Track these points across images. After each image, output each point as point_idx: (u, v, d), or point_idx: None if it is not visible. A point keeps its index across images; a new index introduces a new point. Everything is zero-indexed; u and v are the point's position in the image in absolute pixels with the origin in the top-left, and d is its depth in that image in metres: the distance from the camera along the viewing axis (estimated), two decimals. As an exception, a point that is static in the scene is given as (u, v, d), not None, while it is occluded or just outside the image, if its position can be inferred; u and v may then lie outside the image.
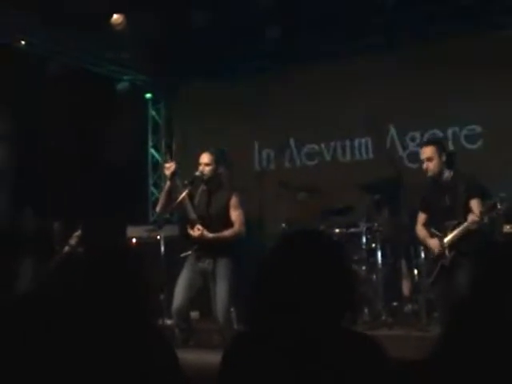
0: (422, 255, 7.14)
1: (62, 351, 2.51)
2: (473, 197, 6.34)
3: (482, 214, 6.17)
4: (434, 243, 6.48)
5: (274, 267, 2.35)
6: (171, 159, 7.47)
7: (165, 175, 7.25)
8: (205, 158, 6.93)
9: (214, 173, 6.93)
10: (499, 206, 6.14)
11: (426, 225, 6.70)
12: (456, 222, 6.33)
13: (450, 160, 6.61)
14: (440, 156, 6.49)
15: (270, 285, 2.30)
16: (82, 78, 10.25)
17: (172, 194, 6.97)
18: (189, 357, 5.77)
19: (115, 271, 2.72)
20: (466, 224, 6.23)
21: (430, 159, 6.46)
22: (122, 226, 10.01)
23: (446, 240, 6.37)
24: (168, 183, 7.00)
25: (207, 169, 6.90)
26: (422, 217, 6.75)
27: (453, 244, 6.33)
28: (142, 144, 11.94)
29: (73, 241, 8.20)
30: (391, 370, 2.27)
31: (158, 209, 7.20)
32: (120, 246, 2.96)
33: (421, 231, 6.72)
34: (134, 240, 9.90)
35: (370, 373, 2.22)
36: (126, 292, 2.68)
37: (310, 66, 10.27)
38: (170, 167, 6.90)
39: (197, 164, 7.01)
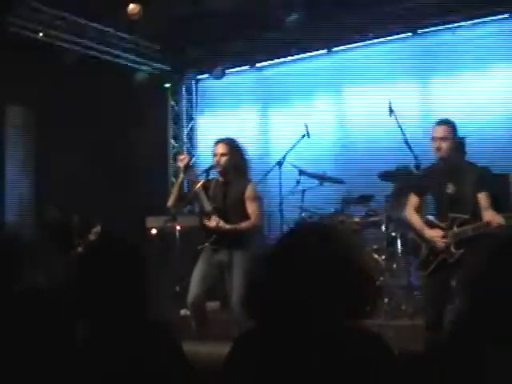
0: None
1: (62, 343, 2.60)
2: (482, 190, 5.80)
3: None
4: (436, 235, 5.89)
5: (281, 262, 2.31)
6: (183, 151, 7.40)
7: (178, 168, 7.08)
8: (220, 148, 6.74)
9: (230, 163, 6.76)
10: None
11: (418, 211, 6.15)
12: (466, 217, 5.79)
13: (460, 145, 6.19)
14: (453, 137, 5.96)
15: (277, 280, 2.26)
16: (100, 68, 10.29)
17: (186, 186, 6.89)
18: (203, 349, 5.83)
19: (119, 267, 2.76)
20: (484, 223, 5.68)
21: (444, 139, 5.88)
22: (141, 218, 9.98)
23: (452, 233, 5.81)
24: (181, 176, 6.86)
25: (223, 159, 6.72)
26: (414, 200, 6.17)
27: (462, 241, 5.75)
28: (162, 134, 11.91)
29: (92, 236, 8.17)
30: (396, 370, 2.22)
31: (169, 202, 7.07)
32: (126, 244, 2.87)
33: (413, 216, 6.14)
34: (153, 231, 9.91)
35: (374, 371, 2.18)
36: (127, 288, 2.72)
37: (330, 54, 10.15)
38: (183, 159, 6.76)
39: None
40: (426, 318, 5.93)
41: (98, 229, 8.23)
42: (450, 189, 5.89)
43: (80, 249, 8.23)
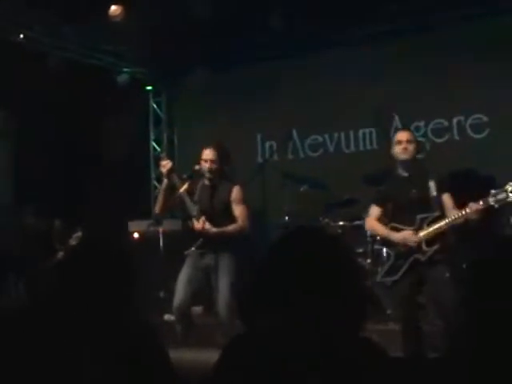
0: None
1: (50, 350, 2.54)
2: (444, 191, 6.00)
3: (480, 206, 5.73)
4: (406, 236, 5.92)
5: (272, 266, 2.26)
6: (166, 156, 7.35)
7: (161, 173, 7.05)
8: (209, 154, 6.77)
9: (216, 168, 6.78)
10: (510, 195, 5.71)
11: (381, 220, 6.21)
12: (435, 215, 5.90)
13: (418, 149, 6.30)
14: (416, 142, 6.23)
15: (268, 284, 2.22)
16: (81, 70, 10.18)
17: (170, 191, 6.83)
18: (188, 355, 5.79)
19: (104, 269, 2.75)
20: (454, 216, 5.80)
21: (410, 142, 6.07)
22: (123, 222, 9.92)
23: (422, 234, 5.87)
24: (165, 181, 6.85)
25: (212, 165, 6.75)
26: (375, 210, 6.27)
27: (434, 238, 5.87)
28: (144, 137, 11.86)
29: (73, 241, 8.12)
30: (389, 372, 2.18)
31: (156, 209, 7.06)
32: (111, 246, 2.90)
33: (376, 225, 6.23)
34: (135, 234, 9.85)
35: (366, 375, 2.13)
36: (112, 291, 2.71)
37: (312, 56, 10.19)
38: (165, 165, 6.76)
39: (198, 158, 6.87)
40: (403, 323, 5.93)
41: (78, 234, 8.17)
42: (415, 193, 6.00)
43: (61, 254, 8.16)
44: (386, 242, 6.32)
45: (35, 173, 9.40)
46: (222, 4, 8.80)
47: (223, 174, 6.87)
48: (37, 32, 9.57)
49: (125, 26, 9.09)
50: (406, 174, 6.14)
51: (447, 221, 5.83)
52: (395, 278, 5.96)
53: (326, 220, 8.59)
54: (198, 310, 8.19)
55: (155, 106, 12.01)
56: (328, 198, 8.86)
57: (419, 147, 6.35)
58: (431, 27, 9.36)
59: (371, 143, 10.02)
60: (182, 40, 10.05)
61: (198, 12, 8.92)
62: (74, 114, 9.98)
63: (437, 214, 5.91)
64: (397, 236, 5.99)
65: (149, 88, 11.86)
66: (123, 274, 2.79)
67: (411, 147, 6.05)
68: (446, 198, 5.98)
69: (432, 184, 5.95)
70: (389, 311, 7.69)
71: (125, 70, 11.00)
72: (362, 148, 10.10)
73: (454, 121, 9.35)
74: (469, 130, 9.28)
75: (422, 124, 9.50)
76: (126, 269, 2.82)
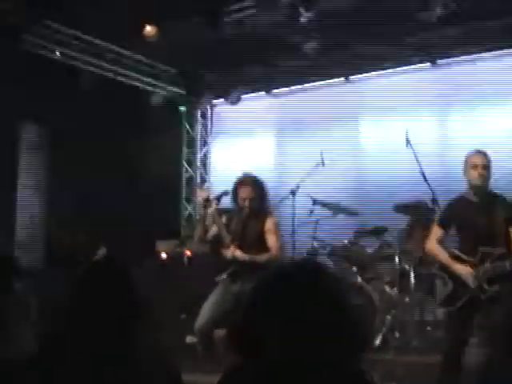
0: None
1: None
2: None
3: None
4: (466, 271, 5.60)
5: (264, 301, 2.20)
6: (203, 186, 7.32)
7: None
8: (245, 192, 6.70)
9: (255, 204, 6.69)
10: None
11: (442, 243, 5.86)
12: (501, 252, 5.51)
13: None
14: (490, 167, 5.75)
15: (260, 319, 2.15)
16: (116, 89, 10.31)
17: (206, 222, 6.82)
18: (203, 380, 5.70)
19: (116, 291, 2.74)
20: None
21: (485, 168, 5.67)
22: (151, 241, 9.91)
23: (484, 268, 5.52)
24: (203, 211, 6.86)
25: (248, 202, 6.66)
26: (438, 232, 5.91)
27: (496, 277, 5.48)
28: (176, 158, 11.89)
29: (97, 257, 8.10)
30: None
31: (195, 239, 7.03)
32: (128, 267, 2.85)
33: (438, 249, 5.87)
34: (163, 254, 9.84)
35: None
36: (123, 314, 2.69)
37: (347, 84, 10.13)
38: (203, 195, 6.76)
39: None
40: (445, 356, 5.68)
41: (103, 250, 8.14)
42: (481, 221, 5.64)
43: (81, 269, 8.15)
44: (444, 268, 5.84)
45: (67, 189, 9.42)
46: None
47: (261, 207, 6.78)
48: (73, 49, 9.72)
49: (161, 46, 9.11)
50: (476, 200, 5.79)
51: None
52: (452, 308, 5.70)
53: (355, 247, 8.53)
54: (222, 332, 8.08)
55: (188, 126, 12.06)
56: (357, 225, 8.84)
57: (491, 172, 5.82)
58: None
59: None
60: (219, 62, 10.10)
61: (236, 35, 8.99)
62: (108, 132, 10.00)
63: (502, 250, 5.53)
64: (457, 268, 5.66)
65: (182, 109, 11.92)
66: (136, 297, 2.76)
67: (487, 173, 5.69)
68: None
69: (501, 213, 5.61)
70: (414, 342, 7.59)
71: (159, 90, 11.08)
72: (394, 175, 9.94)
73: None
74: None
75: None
76: (139, 292, 2.79)
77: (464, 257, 5.69)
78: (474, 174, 5.71)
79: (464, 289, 5.62)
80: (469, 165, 5.75)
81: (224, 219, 6.67)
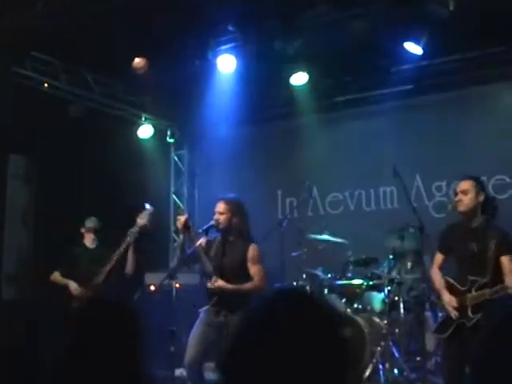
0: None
1: None
2: (505, 253, 5.62)
3: None
4: (450, 302, 5.77)
5: (249, 332, 2.06)
6: (184, 211, 7.31)
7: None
8: (220, 206, 6.64)
9: (229, 222, 6.62)
10: None
11: (442, 268, 6.01)
12: (485, 281, 5.60)
13: (486, 204, 5.84)
14: (477, 194, 5.78)
15: (246, 352, 2.02)
16: (104, 120, 10.28)
17: (186, 247, 6.74)
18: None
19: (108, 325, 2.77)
20: (501, 287, 5.50)
21: (465, 192, 5.75)
22: (141, 274, 9.81)
23: (470, 297, 5.65)
24: (181, 237, 6.83)
25: (222, 218, 6.60)
26: (439, 258, 6.04)
27: (480, 305, 5.59)
28: (164, 190, 11.87)
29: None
30: None
31: (172, 264, 6.99)
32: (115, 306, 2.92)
33: (437, 276, 6.01)
34: (152, 287, 9.75)
35: None
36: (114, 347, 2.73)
37: (334, 115, 10.30)
38: (181, 220, 6.65)
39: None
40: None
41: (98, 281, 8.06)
42: (474, 250, 5.71)
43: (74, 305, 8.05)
44: (439, 296, 6.02)
45: (54, 220, 9.32)
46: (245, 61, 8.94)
47: (238, 229, 6.70)
48: (61, 81, 9.73)
49: (148, 78, 9.18)
50: (466, 226, 5.87)
51: (491, 291, 5.54)
52: (444, 335, 5.84)
53: (343, 278, 8.53)
54: (210, 366, 8.00)
55: (176, 158, 12.09)
56: (347, 256, 8.73)
57: (479, 201, 5.83)
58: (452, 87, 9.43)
59: (392, 202, 9.98)
60: (205, 94, 10.10)
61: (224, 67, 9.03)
62: (96, 163, 9.99)
63: (486, 279, 5.60)
64: (444, 297, 5.82)
65: (171, 140, 11.93)
66: (127, 330, 2.79)
67: (466, 199, 5.75)
68: (505, 261, 5.64)
69: (493, 242, 5.64)
70: (405, 373, 7.55)
71: (147, 121, 11.09)
72: (382, 206, 10.09)
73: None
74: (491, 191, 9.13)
75: (443, 184, 9.41)
76: (131, 325, 2.82)
77: (456, 284, 5.80)
78: (454, 200, 5.89)
79: (452, 318, 5.74)
80: (454, 192, 5.94)
81: (202, 240, 6.57)
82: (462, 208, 5.81)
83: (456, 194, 5.86)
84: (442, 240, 6.10)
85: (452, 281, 5.86)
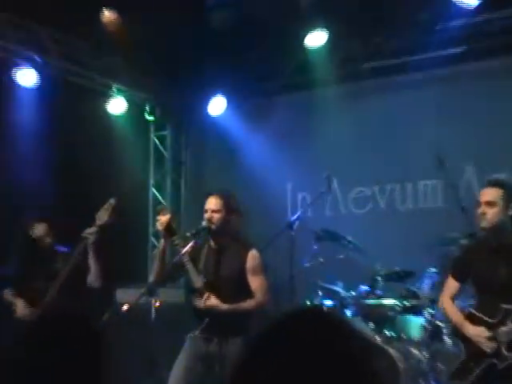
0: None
1: None
2: None
3: None
4: (482, 334, 5.70)
5: (254, 368, 1.99)
6: (165, 208, 7.16)
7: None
8: (212, 202, 6.62)
9: (224, 223, 6.60)
10: None
11: (454, 299, 6.06)
12: None
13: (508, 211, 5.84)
14: (506, 205, 5.78)
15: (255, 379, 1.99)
16: (63, 90, 10.24)
17: (168, 255, 6.81)
18: None
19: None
20: None
21: (490, 204, 5.77)
22: (112, 288, 9.91)
23: (504, 331, 5.60)
24: (162, 242, 6.77)
25: (216, 217, 6.57)
26: (453, 286, 6.08)
27: None
28: (143, 182, 11.83)
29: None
30: None
31: (151, 277, 6.94)
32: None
33: (452, 308, 6.05)
34: (124, 307, 9.62)
35: None
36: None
37: (359, 86, 10.31)
38: (162, 221, 6.60)
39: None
40: None
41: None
42: (501, 272, 5.70)
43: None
44: (457, 331, 5.98)
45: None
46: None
47: (234, 231, 6.73)
48: (7, 38, 9.70)
49: (121, 36, 9.28)
50: (493, 245, 5.85)
51: None
52: (464, 383, 5.74)
53: (370, 296, 8.44)
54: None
55: (157, 141, 12.01)
56: (375, 268, 8.64)
57: (508, 214, 5.83)
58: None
59: (435, 199, 9.87)
60: (195, 59, 10.16)
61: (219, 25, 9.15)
62: (52, 144, 10.00)
63: None
64: (470, 330, 5.75)
65: (150, 118, 11.83)
66: (86, 357, 2.80)
67: (491, 212, 5.73)
68: None
69: None
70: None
71: (122, 94, 11.01)
72: (422, 204, 9.99)
73: None
74: None
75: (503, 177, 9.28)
76: (90, 350, 2.83)
77: (481, 316, 5.76)
78: (477, 213, 5.87)
79: (477, 358, 5.69)
80: (477, 201, 5.94)
81: (189, 247, 6.47)
82: (485, 223, 5.82)
83: (479, 205, 5.83)
84: (459, 264, 6.13)
85: (475, 312, 5.83)
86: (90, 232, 7.17)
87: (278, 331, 2.05)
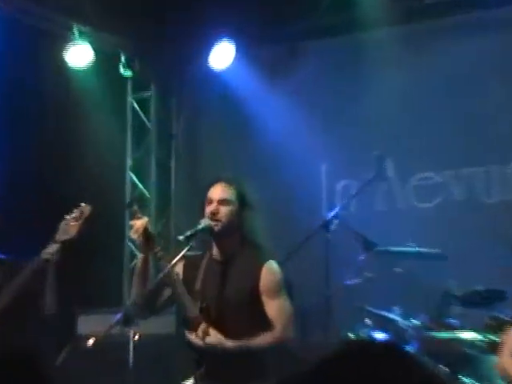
0: None
1: None
2: None
3: None
4: None
5: None
6: (136, 211, 6.82)
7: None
8: (218, 191, 6.44)
9: (235, 221, 6.42)
10: None
11: None
12: None
13: None
14: None
15: None
16: (10, 33, 10.34)
17: (152, 272, 6.66)
18: None
19: None
20: None
21: None
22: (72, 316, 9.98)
23: None
24: (140, 256, 6.73)
25: (223, 211, 6.36)
26: None
27: None
28: (118, 163, 11.72)
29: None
30: None
31: (128, 300, 7.05)
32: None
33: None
34: (90, 341, 9.33)
35: None
36: None
37: (421, 29, 10.29)
38: (137, 227, 6.42)
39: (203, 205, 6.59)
40: None
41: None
42: None
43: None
44: None
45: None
46: None
47: (247, 234, 6.57)
48: None
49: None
50: None
51: None
52: None
53: (443, 329, 8.10)
54: None
55: (137, 106, 11.90)
56: (448, 287, 8.32)
57: None
58: None
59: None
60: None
61: None
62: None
63: None
64: None
65: (126, 74, 11.65)
66: None
67: None
68: None
69: None
70: None
71: (83, 38, 10.87)
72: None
73: None
74: None
75: None
76: None
77: None
78: None
79: None
80: None
81: (178, 260, 6.32)
82: None
83: None
84: None
85: None
86: (50, 252, 7.15)
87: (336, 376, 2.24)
